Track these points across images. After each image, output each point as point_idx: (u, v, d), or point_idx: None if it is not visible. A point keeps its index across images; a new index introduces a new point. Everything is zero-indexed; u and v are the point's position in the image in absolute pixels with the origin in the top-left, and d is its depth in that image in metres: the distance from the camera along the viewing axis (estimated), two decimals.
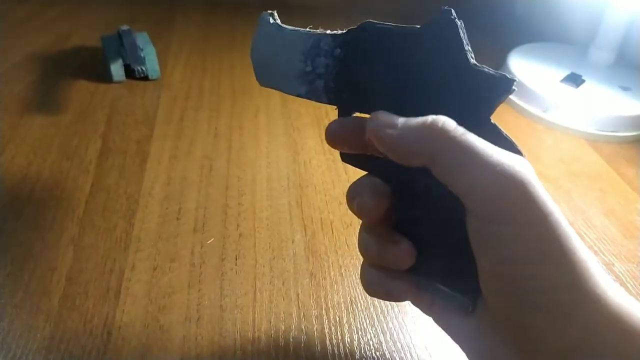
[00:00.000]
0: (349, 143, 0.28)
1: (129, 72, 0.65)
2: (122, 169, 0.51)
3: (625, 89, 0.67)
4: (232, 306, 0.39)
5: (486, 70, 0.23)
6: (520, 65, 0.70)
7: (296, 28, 0.30)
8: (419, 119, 0.23)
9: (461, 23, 0.24)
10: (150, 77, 0.66)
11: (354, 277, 0.42)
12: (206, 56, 0.74)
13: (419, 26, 0.25)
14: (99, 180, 0.50)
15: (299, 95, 0.30)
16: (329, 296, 0.41)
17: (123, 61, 0.65)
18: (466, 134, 0.22)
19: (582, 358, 0.21)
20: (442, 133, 0.22)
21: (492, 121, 0.24)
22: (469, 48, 0.24)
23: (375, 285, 0.28)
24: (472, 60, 0.24)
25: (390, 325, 0.39)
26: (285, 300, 0.40)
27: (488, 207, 0.21)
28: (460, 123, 0.23)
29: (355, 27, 0.27)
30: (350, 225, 0.47)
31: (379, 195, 0.26)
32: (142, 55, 0.65)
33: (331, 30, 0.28)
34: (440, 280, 0.28)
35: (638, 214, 0.53)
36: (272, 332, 0.38)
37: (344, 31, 0.27)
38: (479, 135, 0.22)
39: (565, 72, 0.68)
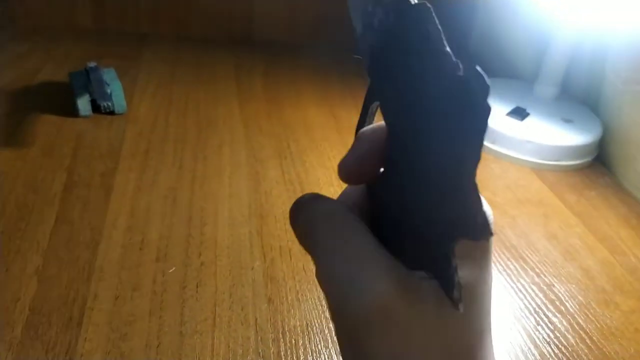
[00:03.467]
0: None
1: (96, 107, 0.67)
2: (87, 202, 0.53)
3: (567, 121, 0.72)
4: (191, 332, 0.41)
5: (473, 196, 0.18)
6: None
7: None
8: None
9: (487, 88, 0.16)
10: (116, 112, 0.68)
11: (310, 302, 0.45)
12: (172, 90, 0.77)
13: (454, 60, 0.18)
14: (63, 212, 0.51)
15: (355, 33, 0.24)
16: (286, 320, 0.43)
17: (90, 96, 0.67)
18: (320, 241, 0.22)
19: None
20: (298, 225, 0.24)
21: (450, 255, 0.19)
22: (485, 127, 0.17)
23: None
24: (474, 170, 0.18)
25: None
26: (243, 325, 0.42)
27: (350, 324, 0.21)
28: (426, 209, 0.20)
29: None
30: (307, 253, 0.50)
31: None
32: (108, 91, 0.67)
33: None
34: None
35: (578, 238, 0.57)
36: (230, 355, 0.39)
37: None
38: (459, 190, 0.18)
39: (511, 106, 0.73)
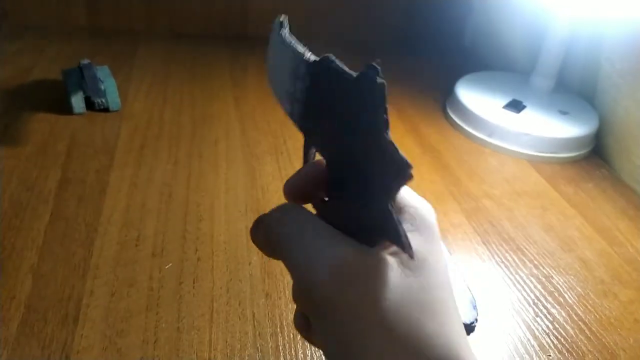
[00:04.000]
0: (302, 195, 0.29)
1: (90, 105, 0.66)
2: (82, 198, 0.52)
3: (563, 113, 0.72)
4: (189, 327, 0.41)
5: (390, 149, 0.21)
6: (467, 93, 0.74)
7: (293, 42, 0.28)
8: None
9: (383, 84, 0.22)
10: (110, 108, 0.67)
11: None
12: (167, 87, 0.76)
13: (354, 75, 0.23)
14: (58, 209, 0.51)
15: (286, 112, 0.30)
16: (284, 315, 0.42)
17: (84, 94, 0.66)
18: (281, 242, 0.26)
19: None
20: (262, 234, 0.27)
21: (390, 208, 0.22)
22: (386, 117, 0.22)
23: (301, 331, 0.28)
24: (386, 132, 0.22)
25: None
26: (241, 320, 0.42)
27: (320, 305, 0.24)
28: (363, 192, 0.24)
29: (320, 58, 0.26)
30: None
31: None
32: (102, 87, 0.67)
33: (310, 55, 0.27)
34: None
35: (576, 229, 0.56)
36: (228, 350, 0.39)
37: (317, 59, 0.26)
38: (370, 214, 0.23)
39: (507, 99, 0.73)
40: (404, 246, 0.21)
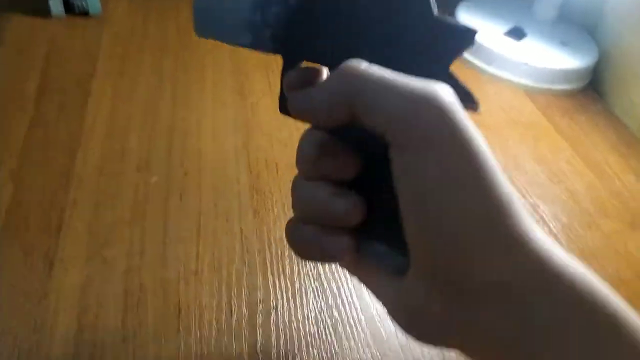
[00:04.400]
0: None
1: (69, 8, 0.62)
2: (63, 106, 0.50)
3: (564, 43, 0.69)
4: (176, 240, 0.40)
5: (449, 21, 0.22)
6: (468, 18, 0.71)
7: None
8: (330, 76, 0.23)
9: None
10: (90, 12, 0.63)
11: None
12: None
13: None
14: (38, 116, 0.48)
15: (241, 45, 0.29)
16: (272, 231, 0.42)
17: None
18: (379, 69, 0.21)
19: (507, 298, 0.20)
20: (354, 75, 0.21)
21: (450, 72, 0.23)
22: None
23: (311, 243, 0.25)
24: (435, 11, 0.23)
25: None
26: (228, 235, 0.41)
27: (406, 134, 0.21)
28: (417, 74, 0.22)
29: None
30: (294, 166, 0.48)
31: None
32: None
33: None
34: (376, 238, 0.25)
35: (566, 162, 0.56)
36: (216, 264, 0.39)
37: None
38: None
39: (509, 26, 0.70)
40: (474, 101, 0.23)
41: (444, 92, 0.21)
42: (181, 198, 0.44)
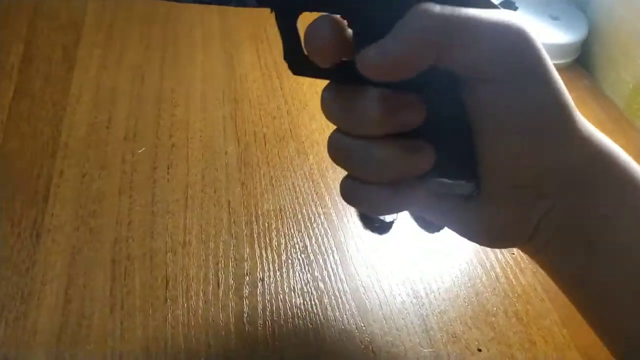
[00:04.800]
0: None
1: None
2: (48, 76, 0.49)
3: (554, 18, 0.69)
4: (163, 211, 0.40)
5: None
6: None
7: None
8: (404, 23, 0.21)
9: None
10: None
11: (284, 187, 0.44)
12: None
13: None
14: (22, 86, 0.48)
15: (225, 3, 0.28)
16: (259, 204, 0.42)
17: None
18: (456, 8, 0.21)
19: (574, 183, 0.24)
20: (438, 16, 0.21)
21: None
22: None
23: (391, 202, 0.24)
24: None
25: (317, 231, 0.41)
26: (216, 207, 0.42)
27: (500, 66, 0.22)
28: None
29: None
30: (283, 139, 0.48)
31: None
32: None
33: None
34: (442, 173, 0.25)
35: None
36: (203, 235, 0.39)
37: None
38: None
39: None
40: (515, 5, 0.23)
41: (521, 22, 0.22)
42: (169, 169, 0.44)
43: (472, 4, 0.22)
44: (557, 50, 0.66)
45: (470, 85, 0.23)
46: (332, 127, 0.25)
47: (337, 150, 0.24)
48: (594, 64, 0.68)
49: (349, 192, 0.25)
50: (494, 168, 0.24)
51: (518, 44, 0.22)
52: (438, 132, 0.24)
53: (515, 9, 0.68)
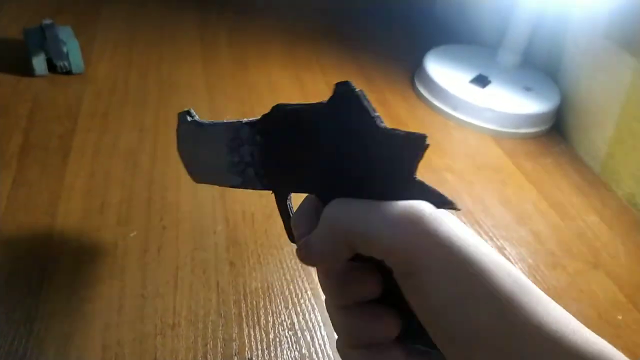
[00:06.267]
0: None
1: (52, 67, 0.65)
2: (44, 164, 0.52)
3: (528, 89, 0.73)
4: (153, 295, 0.41)
5: (397, 132, 0.23)
6: (435, 66, 0.75)
7: (214, 121, 0.30)
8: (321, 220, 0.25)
9: (361, 92, 0.24)
10: (73, 71, 0.66)
11: (271, 265, 0.46)
12: (132, 50, 0.75)
13: (324, 102, 0.25)
14: (20, 175, 0.50)
15: (236, 186, 0.31)
16: (247, 282, 0.44)
17: (46, 55, 0.64)
18: (357, 204, 0.24)
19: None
20: (338, 219, 0.24)
21: (416, 178, 0.24)
22: (376, 114, 0.24)
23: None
24: (382, 125, 0.23)
25: (304, 306, 0.42)
26: (205, 287, 0.43)
27: (403, 263, 0.22)
28: (387, 187, 0.23)
29: (267, 112, 0.27)
30: (270, 216, 0.50)
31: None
32: (65, 50, 0.65)
33: (247, 119, 0.29)
34: (416, 339, 0.26)
35: (531, 203, 0.59)
36: (192, 317, 0.40)
37: (259, 117, 0.28)
38: (407, 195, 0.23)
39: (474, 73, 0.74)
40: (450, 202, 0.23)
41: (424, 212, 0.22)
42: (159, 252, 0.45)
43: (397, 190, 0.23)
44: (532, 119, 0.70)
45: (395, 276, 0.24)
46: None
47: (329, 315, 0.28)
48: (568, 130, 0.72)
49: (340, 351, 0.27)
50: (441, 348, 0.23)
51: (422, 243, 0.22)
52: (403, 304, 0.24)
53: (488, 82, 0.71)
